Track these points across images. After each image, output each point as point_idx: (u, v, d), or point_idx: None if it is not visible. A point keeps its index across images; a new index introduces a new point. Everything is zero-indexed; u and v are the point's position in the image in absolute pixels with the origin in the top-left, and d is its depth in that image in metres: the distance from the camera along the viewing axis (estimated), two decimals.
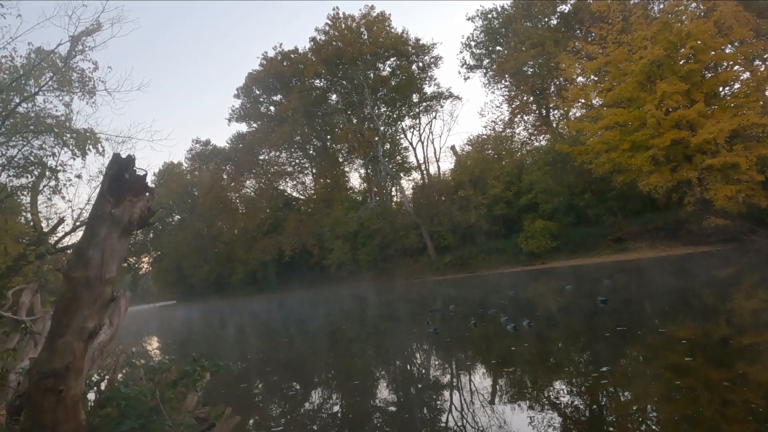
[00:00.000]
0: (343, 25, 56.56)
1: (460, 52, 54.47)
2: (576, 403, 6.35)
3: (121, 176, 3.86)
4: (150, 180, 4.35)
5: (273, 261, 58.28)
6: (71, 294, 3.86)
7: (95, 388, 6.36)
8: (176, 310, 62.04)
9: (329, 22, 56.95)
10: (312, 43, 58.21)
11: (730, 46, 29.76)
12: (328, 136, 64.37)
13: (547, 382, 7.48)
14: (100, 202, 3.93)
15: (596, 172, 31.83)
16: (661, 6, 37.14)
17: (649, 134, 28.34)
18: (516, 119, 50.79)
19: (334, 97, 61.40)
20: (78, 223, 18.51)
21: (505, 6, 49.29)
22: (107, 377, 6.75)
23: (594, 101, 35.26)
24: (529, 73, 47.08)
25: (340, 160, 64.83)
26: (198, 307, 56.13)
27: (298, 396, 9.37)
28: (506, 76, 48.92)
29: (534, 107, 50.08)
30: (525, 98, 49.47)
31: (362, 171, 63.01)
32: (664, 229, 31.38)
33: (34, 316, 7.52)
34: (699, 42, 27.75)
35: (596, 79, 34.46)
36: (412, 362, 11.22)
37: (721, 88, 31.00)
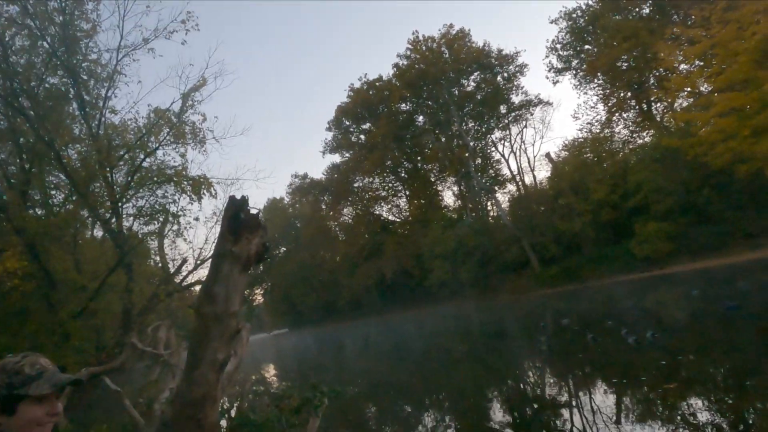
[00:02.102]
0: (423, 47, 57.31)
1: (546, 56, 52.77)
2: (723, 425, 5.71)
3: (237, 216, 4.18)
4: (259, 216, 4.65)
5: (375, 284, 59.29)
6: (203, 329, 4.21)
7: (226, 415, 6.81)
8: (289, 337, 64.96)
9: (410, 46, 57.97)
10: (395, 68, 59.52)
11: None
12: (419, 158, 64.89)
13: (683, 400, 6.81)
14: (221, 241, 4.27)
15: (713, 165, 28.93)
16: None
17: None
18: (614, 118, 47.89)
19: (421, 118, 61.99)
20: (199, 261, 20.19)
21: (590, 2, 47.16)
22: (236, 404, 7.20)
23: (702, 88, 32.34)
24: (624, 67, 44.35)
25: (432, 179, 64.97)
26: (309, 334, 58.33)
27: (411, 418, 9.35)
28: (598, 74, 46.49)
29: (633, 103, 46.96)
30: (622, 95, 46.59)
31: (455, 188, 62.64)
32: None
33: (169, 349, 8.26)
34: None
35: (702, 64, 31.63)
36: (528, 382, 10.76)
37: None
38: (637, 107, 47.25)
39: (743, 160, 27.59)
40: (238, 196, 4.58)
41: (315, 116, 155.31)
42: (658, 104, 45.35)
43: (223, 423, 6.61)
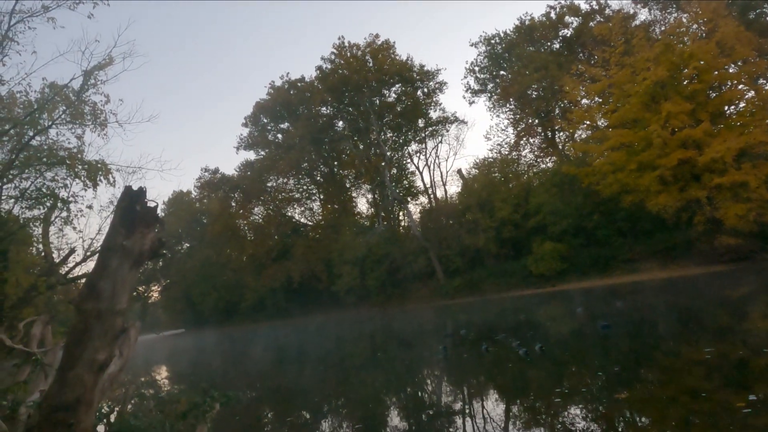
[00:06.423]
0: (348, 54, 57.50)
1: (465, 77, 55.12)
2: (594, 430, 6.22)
3: (132, 208, 3.92)
4: (160, 209, 4.40)
5: (282, 287, 58.08)
6: (82, 326, 3.89)
7: (105, 420, 6.30)
8: (184, 338, 61.70)
9: (335, 50, 57.93)
10: (318, 71, 59.14)
11: (733, 65, 29.90)
12: (336, 163, 64.79)
13: (562, 409, 7.34)
14: (112, 234, 3.99)
15: (604, 193, 31.74)
16: (663, 28, 37.57)
17: (656, 154, 28.30)
18: (522, 142, 50.96)
19: (340, 123, 62.02)
20: (89, 253, 18.56)
21: (508, 31, 50.01)
22: (117, 409, 6.68)
23: (599, 122, 35.38)
24: (534, 96, 47.43)
25: (348, 185, 65.08)
26: (207, 335, 55.81)
27: (309, 425, 9.24)
28: (511, 99, 49.30)
29: (539, 129, 50.27)
30: (530, 121, 49.72)
31: (369, 196, 63.20)
32: (674, 249, 31.03)
33: (44, 347, 7.52)
34: (702, 62, 27.92)
35: (600, 100, 34.65)
36: (424, 388, 11.05)
37: (726, 107, 31.02)
38: (542, 134, 50.57)
39: (628, 191, 30.50)
40: (140, 186, 4.30)
41: (230, 112, 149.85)
42: (561, 133, 48.85)
43: (101, 429, 6.12)
